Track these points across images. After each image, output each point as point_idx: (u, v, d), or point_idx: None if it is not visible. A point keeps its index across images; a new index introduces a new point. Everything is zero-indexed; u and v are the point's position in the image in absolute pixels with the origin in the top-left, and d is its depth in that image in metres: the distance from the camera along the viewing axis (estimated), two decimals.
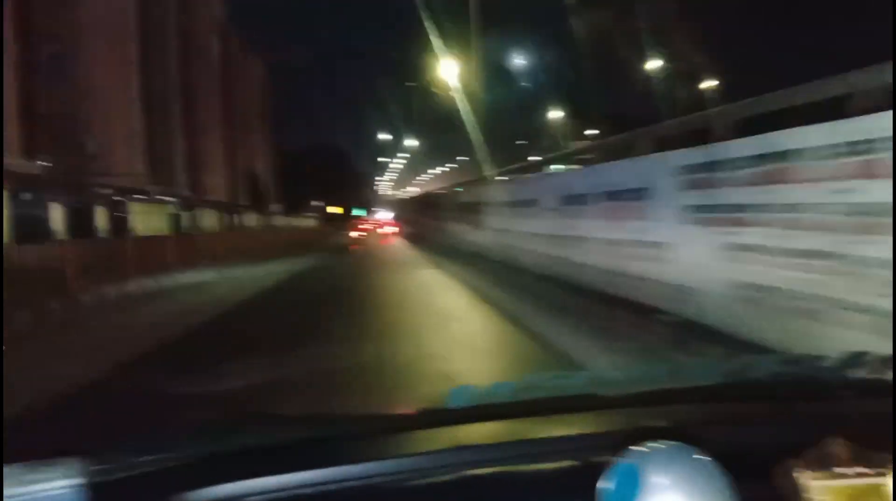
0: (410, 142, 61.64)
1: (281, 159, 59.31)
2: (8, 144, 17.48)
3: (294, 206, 62.18)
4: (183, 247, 14.64)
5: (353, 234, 39.97)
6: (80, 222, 17.82)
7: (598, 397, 1.21)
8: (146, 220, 19.72)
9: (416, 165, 75.57)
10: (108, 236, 17.62)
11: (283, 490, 0.90)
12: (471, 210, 20.37)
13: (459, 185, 27.03)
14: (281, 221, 50.84)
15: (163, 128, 30.81)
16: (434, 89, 29.20)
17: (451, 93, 25.16)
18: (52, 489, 0.72)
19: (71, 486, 0.73)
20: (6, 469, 0.74)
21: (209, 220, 28.19)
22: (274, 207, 53.12)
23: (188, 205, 29.26)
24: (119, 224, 18.00)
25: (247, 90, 50.46)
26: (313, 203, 72.11)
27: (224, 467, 0.92)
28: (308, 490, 0.90)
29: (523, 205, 13.93)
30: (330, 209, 76.25)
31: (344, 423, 1.13)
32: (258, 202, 48.35)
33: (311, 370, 5.11)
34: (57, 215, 17.04)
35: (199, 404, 3.74)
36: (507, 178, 18.97)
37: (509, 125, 35.87)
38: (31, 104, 23.88)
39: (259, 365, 5.14)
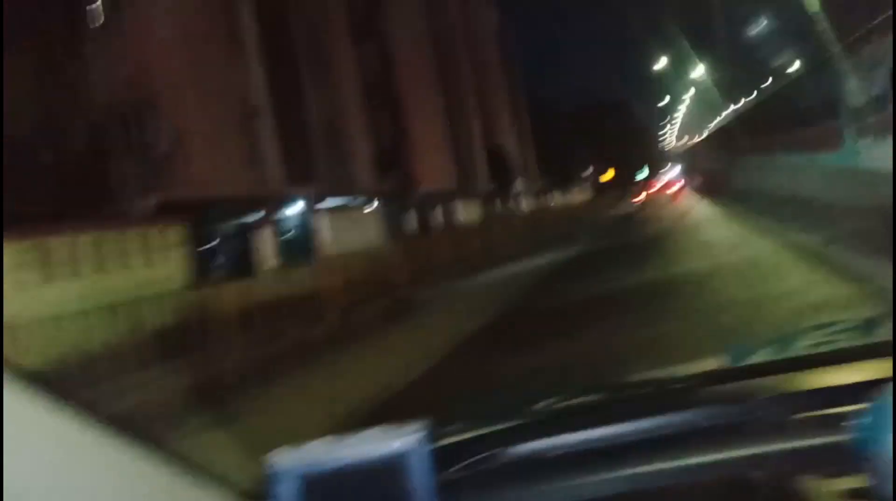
0: (698, 73, 44.10)
1: (531, 123, 46.33)
2: None
3: (557, 181, 49.15)
4: None
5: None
6: None
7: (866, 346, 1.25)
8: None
9: (708, 103, 57.28)
10: None
11: (583, 443, 1.04)
12: None
13: None
14: (532, 204, 38.11)
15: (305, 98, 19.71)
16: None
17: None
18: (400, 448, 0.82)
19: (416, 447, 0.83)
20: (369, 432, 0.85)
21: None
22: (521, 186, 40.26)
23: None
24: None
25: (474, 35, 38.16)
26: (582, 174, 58.24)
27: (539, 427, 1.10)
28: (600, 445, 1.03)
29: None
30: (603, 178, 61.49)
31: (628, 387, 1.38)
32: (502, 183, 36.13)
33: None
34: None
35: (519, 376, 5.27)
36: None
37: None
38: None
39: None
